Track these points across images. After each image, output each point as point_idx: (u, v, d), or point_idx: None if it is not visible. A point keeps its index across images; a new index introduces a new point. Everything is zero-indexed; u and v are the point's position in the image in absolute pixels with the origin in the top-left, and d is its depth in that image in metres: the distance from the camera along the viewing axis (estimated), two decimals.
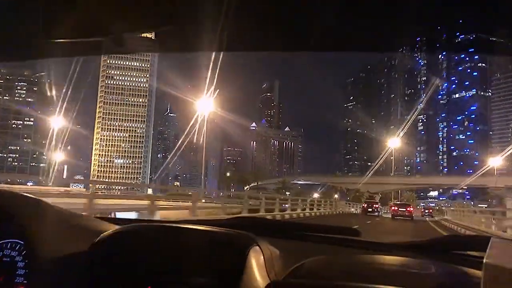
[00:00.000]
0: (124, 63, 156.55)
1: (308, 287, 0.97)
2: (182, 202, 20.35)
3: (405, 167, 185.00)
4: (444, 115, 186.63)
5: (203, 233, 1.16)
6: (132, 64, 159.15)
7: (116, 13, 0.99)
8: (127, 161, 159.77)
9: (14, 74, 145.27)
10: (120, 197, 19.88)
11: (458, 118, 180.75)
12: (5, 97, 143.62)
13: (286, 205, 25.07)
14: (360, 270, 1.06)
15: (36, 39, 1.09)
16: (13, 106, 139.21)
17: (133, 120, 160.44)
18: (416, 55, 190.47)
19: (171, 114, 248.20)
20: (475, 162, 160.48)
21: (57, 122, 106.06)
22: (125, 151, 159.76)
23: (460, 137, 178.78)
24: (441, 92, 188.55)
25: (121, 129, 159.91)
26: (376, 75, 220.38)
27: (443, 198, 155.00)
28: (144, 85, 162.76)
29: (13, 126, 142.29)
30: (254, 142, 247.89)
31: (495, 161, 76.87)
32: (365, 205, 40.96)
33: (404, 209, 33.53)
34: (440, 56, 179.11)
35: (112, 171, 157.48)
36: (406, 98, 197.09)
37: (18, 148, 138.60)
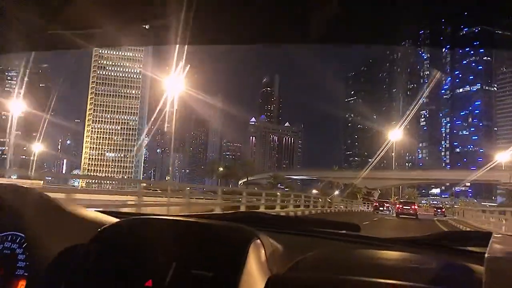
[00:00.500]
0: (117, 53, 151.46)
1: (309, 281, 0.97)
2: (176, 198, 18.97)
3: (407, 164, 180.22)
4: (447, 110, 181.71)
5: (204, 226, 1.16)
6: (125, 54, 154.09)
7: (111, 6, 0.98)
8: (119, 155, 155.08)
9: (3, 65, 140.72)
10: (103, 192, 19.10)
11: (461, 113, 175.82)
12: None
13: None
14: (360, 264, 1.07)
15: (35, 32, 1.08)
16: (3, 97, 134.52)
17: (126, 112, 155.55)
18: (419, 48, 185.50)
19: (171, 109, 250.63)
20: (479, 159, 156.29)
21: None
22: (117, 144, 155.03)
23: (464, 133, 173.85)
24: (445, 87, 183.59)
25: (113, 122, 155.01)
26: (378, 69, 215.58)
27: (445, 196, 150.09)
28: (137, 76, 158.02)
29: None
30: (254, 137, 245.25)
31: (504, 156, 71.63)
32: (377, 204, 41.63)
33: (409, 207, 33.24)
34: (443, 49, 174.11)
35: (103, 165, 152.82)
36: (408, 93, 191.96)
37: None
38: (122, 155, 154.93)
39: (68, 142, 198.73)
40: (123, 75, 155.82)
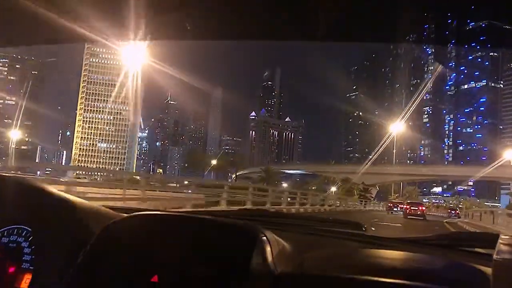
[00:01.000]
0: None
1: (314, 279, 0.97)
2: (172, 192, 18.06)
3: (408, 161, 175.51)
4: (451, 107, 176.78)
5: (210, 223, 1.16)
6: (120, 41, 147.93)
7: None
8: (111, 146, 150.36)
9: None
10: (86, 185, 17.25)
11: (466, 110, 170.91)
12: None
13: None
14: (365, 264, 1.07)
15: (37, 24, 1.09)
16: None
17: (119, 102, 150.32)
18: (423, 43, 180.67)
19: (172, 102, 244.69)
20: (483, 158, 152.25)
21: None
22: (109, 134, 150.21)
23: (468, 130, 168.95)
24: (449, 83, 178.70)
25: (105, 111, 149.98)
26: (381, 64, 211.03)
27: (447, 195, 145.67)
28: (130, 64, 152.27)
29: None
30: (254, 132, 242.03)
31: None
32: (391, 204, 41.84)
33: (417, 208, 33.53)
34: (449, 44, 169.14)
35: (94, 155, 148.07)
36: (411, 88, 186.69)
37: None
38: (114, 146, 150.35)
39: (68, 133, 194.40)
40: (117, 63, 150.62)
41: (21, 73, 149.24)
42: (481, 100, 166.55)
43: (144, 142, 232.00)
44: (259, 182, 56.02)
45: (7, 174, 1.28)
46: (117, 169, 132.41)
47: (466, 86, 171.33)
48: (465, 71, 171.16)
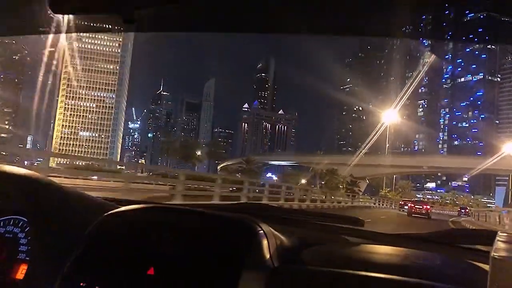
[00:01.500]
0: (95, 24, 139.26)
1: (311, 274, 0.97)
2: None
3: (401, 152, 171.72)
4: (447, 100, 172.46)
5: (207, 216, 1.16)
6: (104, 25, 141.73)
7: None
8: (94, 134, 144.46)
9: None
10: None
11: (462, 104, 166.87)
12: None
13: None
14: (364, 259, 1.07)
15: (42, 13, 1.06)
16: None
17: (102, 88, 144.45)
18: (420, 35, 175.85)
19: (164, 93, 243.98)
20: (478, 153, 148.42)
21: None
22: (92, 123, 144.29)
23: (464, 125, 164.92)
24: (445, 76, 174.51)
25: (88, 98, 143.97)
26: (376, 56, 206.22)
27: (441, 191, 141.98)
28: (116, 50, 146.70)
29: None
30: (246, 124, 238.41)
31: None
32: (402, 202, 39.09)
33: (421, 207, 33.19)
34: (446, 36, 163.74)
35: (76, 144, 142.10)
36: (406, 81, 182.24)
37: None
38: (97, 135, 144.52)
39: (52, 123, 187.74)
40: (101, 48, 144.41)
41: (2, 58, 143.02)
42: (478, 93, 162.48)
43: (136, 133, 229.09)
44: (240, 173, 51.41)
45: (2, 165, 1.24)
46: (99, 158, 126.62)
47: (462, 79, 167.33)
48: (462, 64, 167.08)
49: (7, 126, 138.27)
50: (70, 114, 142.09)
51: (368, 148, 66.79)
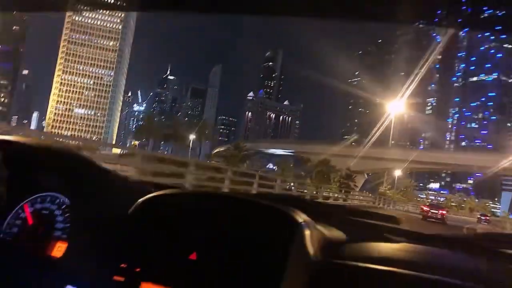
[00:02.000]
0: None
1: (353, 270, 0.96)
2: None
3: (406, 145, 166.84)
4: (457, 99, 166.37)
5: (251, 204, 1.13)
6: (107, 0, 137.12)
7: None
8: (89, 112, 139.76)
9: None
10: None
11: (472, 104, 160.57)
12: None
13: None
14: (402, 257, 1.05)
15: None
16: None
17: (101, 65, 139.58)
18: (433, 30, 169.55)
19: (170, 77, 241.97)
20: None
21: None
22: (88, 100, 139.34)
23: (473, 125, 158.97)
24: (457, 74, 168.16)
25: (86, 75, 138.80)
26: (386, 50, 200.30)
27: (444, 192, 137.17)
28: (118, 27, 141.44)
29: None
30: (250, 113, 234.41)
31: None
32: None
33: (437, 211, 31.82)
34: (461, 33, 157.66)
35: (70, 122, 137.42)
36: (416, 77, 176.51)
37: None
38: (92, 113, 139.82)
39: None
40: (101, 23, 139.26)
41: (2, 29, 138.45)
42: (490, 94, 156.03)
43: (141, 116, 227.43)
44: (228, 160, 46.84)
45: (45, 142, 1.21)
46: (94, 138, 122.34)
47: (475, 79, 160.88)
48: (476, 63, 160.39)
49: (2, 99, 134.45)
50: (66, 90, 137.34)
51: (371, 141, 60.51)
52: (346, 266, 0.98)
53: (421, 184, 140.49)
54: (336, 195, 33.61)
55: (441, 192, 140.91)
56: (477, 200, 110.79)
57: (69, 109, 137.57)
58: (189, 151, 79.73)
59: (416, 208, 49.77)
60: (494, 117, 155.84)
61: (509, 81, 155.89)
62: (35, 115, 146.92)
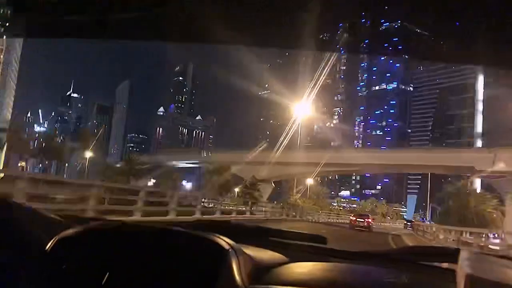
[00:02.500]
0: None
1: None
2: None
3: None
4: (362, 108, 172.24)
5: (175, 234, 1.12)
6: None
7: None
8: None
9: None
10: None
11: (376, 112, 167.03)
12: None
13: None
14: (328, 277, 1.06)
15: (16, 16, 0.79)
16: None
17: None
18: (337, 42, 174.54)
19: (75, 94, 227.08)
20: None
21: None
22: None
23: (378, 132, 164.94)
24: (361, 84, 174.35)
25: None
26: (293, 62, 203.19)
27: (354, 199, 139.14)
28: None
29: None
30: (161, 129, 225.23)
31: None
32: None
33: (363, 220, 33.10)
34: (362, 44, 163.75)
35: None
36: (322, 88, 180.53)
37: None
38: None
39: None
40: None
41: None
42: (392, 102, 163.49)
43: (42, 138, 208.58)
44: (118, 175, 39.93)
45: None
46: None
47: (377, 88, 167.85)
48: (377, 72, 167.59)
49: None
50: None
51: (280, 149, 54.54)
52: None
53: (332, 193, 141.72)
54: (240, 208, 28.53)
55: (352, 199, 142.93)
56: (385, 205, 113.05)
57: None
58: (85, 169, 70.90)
59: (329, 217, 46.66)
60: (396, 124, 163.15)
61: (407, 89, 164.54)
62: None
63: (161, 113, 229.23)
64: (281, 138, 54.71)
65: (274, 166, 48.38)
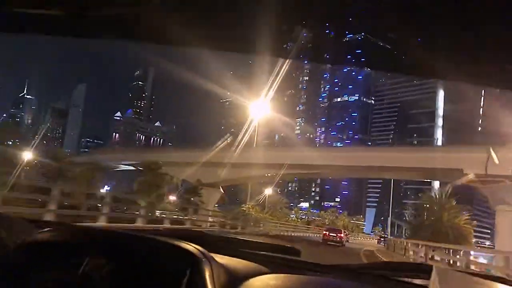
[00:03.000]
0: None
1: None
2: None
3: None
4: (323, 119, 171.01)
5: (147, 241, 1.09)
6: None
7: None
8: None
9: None
10: None
11: (338, 124, 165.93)
12: None
13: None
14: None
15: None
16: None
17: None
18: (300, 52, 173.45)
19: (28, 96, 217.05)
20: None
21: None
22: None
23: (338, 145, 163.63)
24: (323, 95, 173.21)
25: None
26: (257, 71, 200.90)
27: (315, 211, 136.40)
28: None
29: None
30: (117, 134, 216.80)
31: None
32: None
33: (335, 235, 32.83)
34: (325, 54, 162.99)
35: None
36: (285, 99, 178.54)
37: None
38: None
39: None
40: None
41: None
42: (353, 114, 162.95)
43: None
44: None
45: None
46: None
47: (339, 99, 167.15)
48: (339, 84, 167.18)
49: None
50: None
51: (239, 147, 46.46)
52: None
53: (291, 204, 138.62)
54: (175, 216, 23.47)
55: (312, 211, 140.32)
56: (344, 217, 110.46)
57: None
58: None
59: (287, 230, 41.55)
60: (357, 136, 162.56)
61: (369, 102, 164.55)
62: None
63: (118, 118, 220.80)
64: (237, 140, 49.19)
65: (224, 169, 42.48)
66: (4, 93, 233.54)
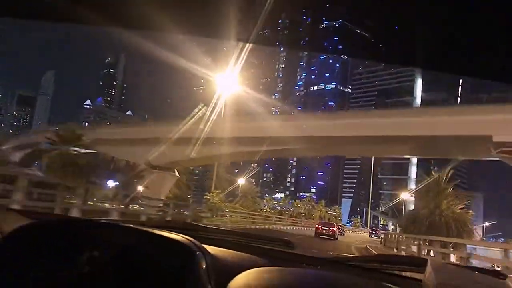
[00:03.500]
0: None
1: None
2: None
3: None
4: (300, 108, 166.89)
5: (140, 233, 1.09)
6: None
7: None
8: None
9: None
10: None
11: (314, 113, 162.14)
12: None
13: None
14: (294, 283, 1.06)
15: None
16: None
17: None
18: (276, 39, 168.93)
19: None
20: (326, 163, 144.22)
21: None
22: None
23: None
24: (299, 83, 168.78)
25: None
26: (230, 57, 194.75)
27: (291, 203, 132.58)
28: None
29: None
30: (87, 123, 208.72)
31: None
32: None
33: (328, 228, 33.18)
34: (301, 42, 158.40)
35: None
36: (260, 87, 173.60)
37: None
38: None
39: None
40: None
41: None
42: (330, 103, 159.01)
43: None
44: None
45: None
46: None
47: (315, 88, 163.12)
48: (316, 72, 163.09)
49: None
50: None
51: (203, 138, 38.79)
52: None
53: (266, 195, 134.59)
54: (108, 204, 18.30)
55: (289, 202, 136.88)
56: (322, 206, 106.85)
57: None
58: None
59: (254, 221, 36.40)
60: None
61: (345, 90, 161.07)
62: None
63: (88, 106, 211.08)
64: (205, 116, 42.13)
65: (179, 147, 35.64)
66: None
